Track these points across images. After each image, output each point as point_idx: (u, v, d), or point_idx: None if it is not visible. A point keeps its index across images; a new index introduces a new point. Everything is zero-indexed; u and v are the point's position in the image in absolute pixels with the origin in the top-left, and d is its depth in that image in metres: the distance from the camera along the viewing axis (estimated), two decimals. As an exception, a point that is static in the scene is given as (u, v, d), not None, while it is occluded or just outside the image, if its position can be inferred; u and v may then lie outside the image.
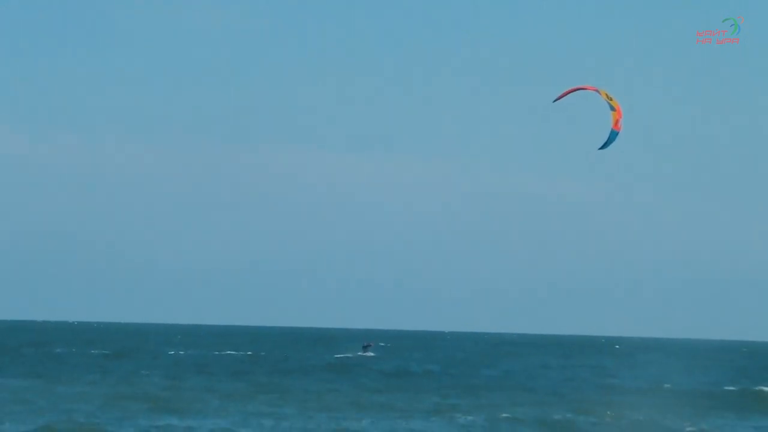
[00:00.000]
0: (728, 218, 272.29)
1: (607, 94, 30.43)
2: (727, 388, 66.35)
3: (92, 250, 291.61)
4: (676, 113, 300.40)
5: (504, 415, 45.99)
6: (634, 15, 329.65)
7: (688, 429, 43.92)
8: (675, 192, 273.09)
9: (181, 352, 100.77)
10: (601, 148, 30.34)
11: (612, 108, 30.38)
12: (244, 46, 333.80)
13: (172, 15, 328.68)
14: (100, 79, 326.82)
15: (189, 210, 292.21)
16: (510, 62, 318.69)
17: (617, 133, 29.85)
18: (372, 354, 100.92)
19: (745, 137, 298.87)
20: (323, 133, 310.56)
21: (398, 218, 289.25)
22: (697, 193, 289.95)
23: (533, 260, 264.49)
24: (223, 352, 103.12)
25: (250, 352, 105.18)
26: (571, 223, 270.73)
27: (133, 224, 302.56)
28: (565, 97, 30.44)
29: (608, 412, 48.23)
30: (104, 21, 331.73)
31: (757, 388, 64.29)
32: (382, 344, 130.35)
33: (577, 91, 30.50)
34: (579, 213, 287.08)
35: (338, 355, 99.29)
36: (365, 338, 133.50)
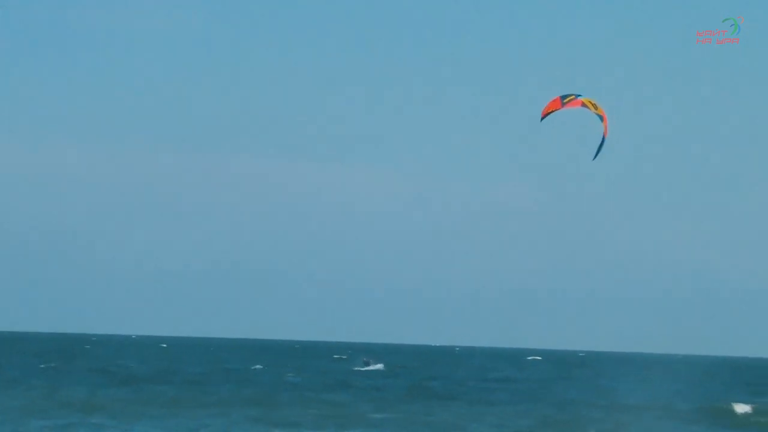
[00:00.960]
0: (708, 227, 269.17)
1: (593, 104, 29.23)
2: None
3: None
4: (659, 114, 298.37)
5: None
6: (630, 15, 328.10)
7: None
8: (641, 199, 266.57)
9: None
10: (594, 158, 29.36)
11: (601, 118, 29.42)
12: (217, 52, 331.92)
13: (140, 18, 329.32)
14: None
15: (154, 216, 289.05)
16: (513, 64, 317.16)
17: (604, 140, 27.99)
18: (374, 368, 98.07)
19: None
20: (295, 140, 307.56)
21: (366, 225, 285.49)
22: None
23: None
24: (229, 366, 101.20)
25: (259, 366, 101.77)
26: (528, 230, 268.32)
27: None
28: (552, 114, 29.35)
29: None
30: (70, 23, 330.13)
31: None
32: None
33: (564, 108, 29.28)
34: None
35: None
36: (342, 351, 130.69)
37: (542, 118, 28.86)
